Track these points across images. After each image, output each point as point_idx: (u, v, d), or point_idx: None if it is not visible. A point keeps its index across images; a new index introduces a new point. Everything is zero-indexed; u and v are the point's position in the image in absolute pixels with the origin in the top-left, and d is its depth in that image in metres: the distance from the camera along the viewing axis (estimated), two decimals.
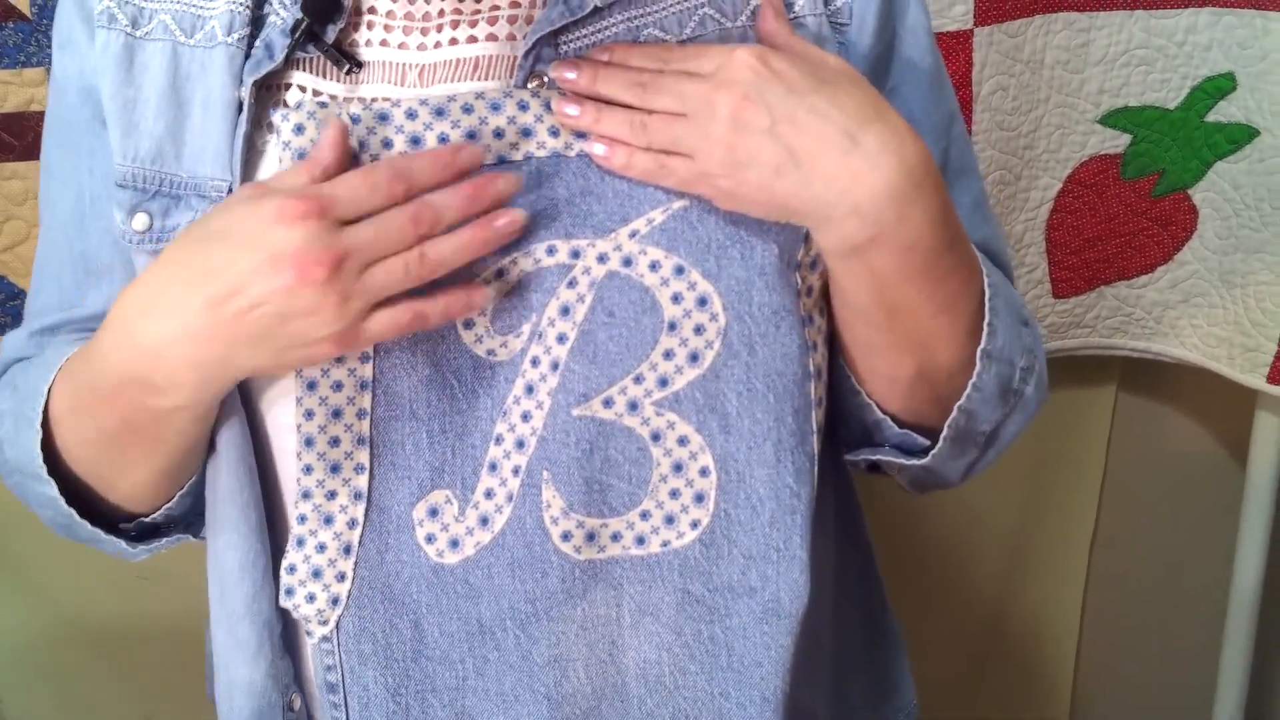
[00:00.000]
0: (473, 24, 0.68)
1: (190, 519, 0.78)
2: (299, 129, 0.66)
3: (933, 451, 0.72)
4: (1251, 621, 1.52)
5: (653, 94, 0.64)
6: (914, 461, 0.73)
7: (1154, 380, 1.61)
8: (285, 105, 0.69)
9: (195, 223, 0.65)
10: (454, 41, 0.68)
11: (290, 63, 0.68)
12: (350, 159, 0.64)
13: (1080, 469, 1.65)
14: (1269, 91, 1.29)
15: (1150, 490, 1.66)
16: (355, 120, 0.65)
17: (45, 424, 0.70)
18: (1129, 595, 1.72)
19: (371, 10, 0.69)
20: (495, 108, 0.66)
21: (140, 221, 0.70)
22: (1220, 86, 1.33)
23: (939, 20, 1.26)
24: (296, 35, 0.67)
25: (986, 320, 0.68)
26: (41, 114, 1.24)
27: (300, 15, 0.67)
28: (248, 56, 0.68)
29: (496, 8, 0.68)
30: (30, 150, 1.27)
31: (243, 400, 0.69)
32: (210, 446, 0.71)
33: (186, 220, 0.69)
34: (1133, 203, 1.41)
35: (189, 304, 0.61)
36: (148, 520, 0.75)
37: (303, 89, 0.69)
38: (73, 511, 0.71)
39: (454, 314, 0.65)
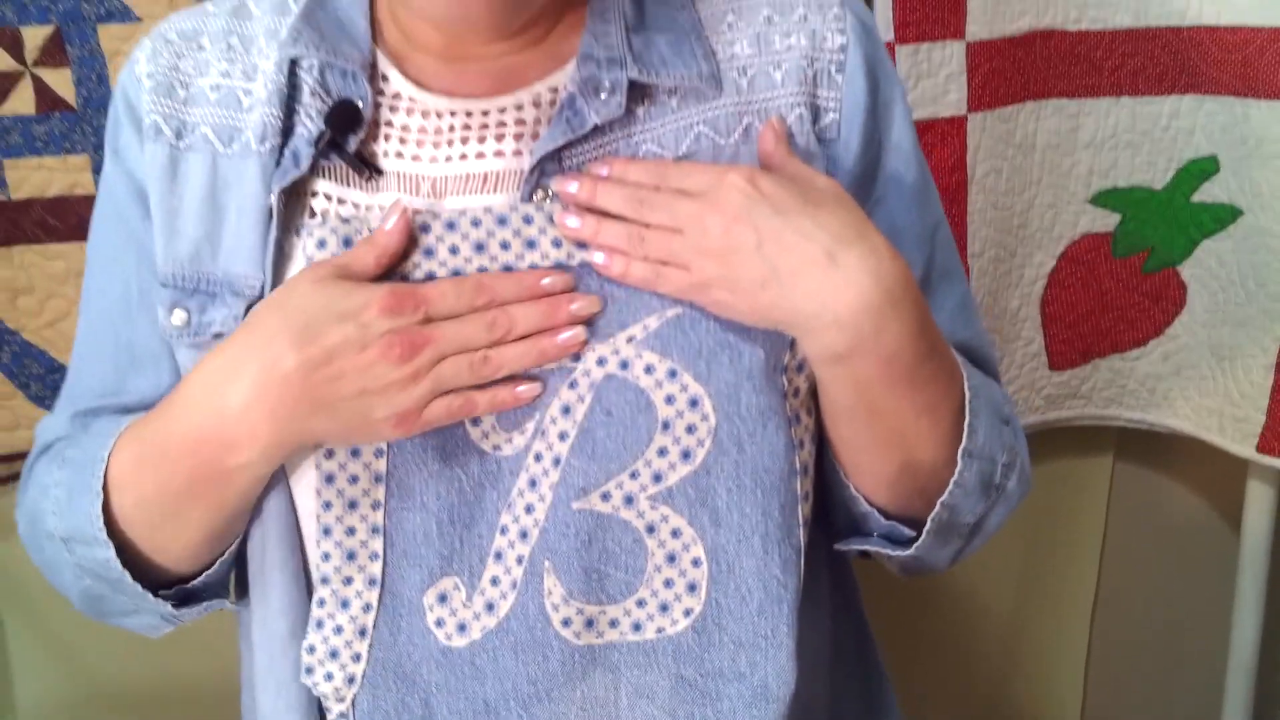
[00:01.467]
0: (481, 140, 0.73)
1: (220, 588, 0.83)
2: (321, 244, 0.72)
3: (917, 543, 0.76)
4: (1250, 683, 1.56)
5: (649, 209, 0.70)
6: (901, 552, 0.78)
7: (1150, 449, 1.65)
8: (312, 211, 0.74)
9: (281, 299, 0.70)
10: (464, 156, 0.73)
11: (315, 170, 0.73)
12: (409, 241, 0.71)
13: (1080, 536, 1.70)
14: (1249, 174, 1.35)
15: (1149, 556, 1.70)
16: (372, 231, 0.71)
17: (104, 489, 0.74)
18: (1130, 658, 1.75)
19: (389, 124, 0.74)
20: (502, 221, 0.71)
21: (179, 317, 0.75)
22: (1204, 168, 1.39)
23: (934, 107, 1.33)
24: (320, 145, 0.73)
25: (967, 421, 0.72)
26: (84, 198, 1.32)
27: (324, 127, 0.73)
28: (278, 165, 0.74)
29: (504, 125, 0.73)
30: (73, 232, 1.34)
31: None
32: (257, 514, 0.76)
33: (222, 315, 0.74)
34: (1124, 278, 1.46)
35: (283, 364, 0.66)
36: (188, 585, 0.80)
37: (328, 196, 0.74)
38: (125, 572, 0.75)
39: (501, 406, 0.70)
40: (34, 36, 1.26)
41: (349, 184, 0.74)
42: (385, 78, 0.75)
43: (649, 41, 0.74)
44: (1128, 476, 1.68)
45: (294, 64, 0.75)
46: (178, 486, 0.72)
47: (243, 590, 0.81)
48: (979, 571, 1.63)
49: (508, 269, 0.71)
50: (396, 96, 0.75)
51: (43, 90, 1.28)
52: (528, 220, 0.71)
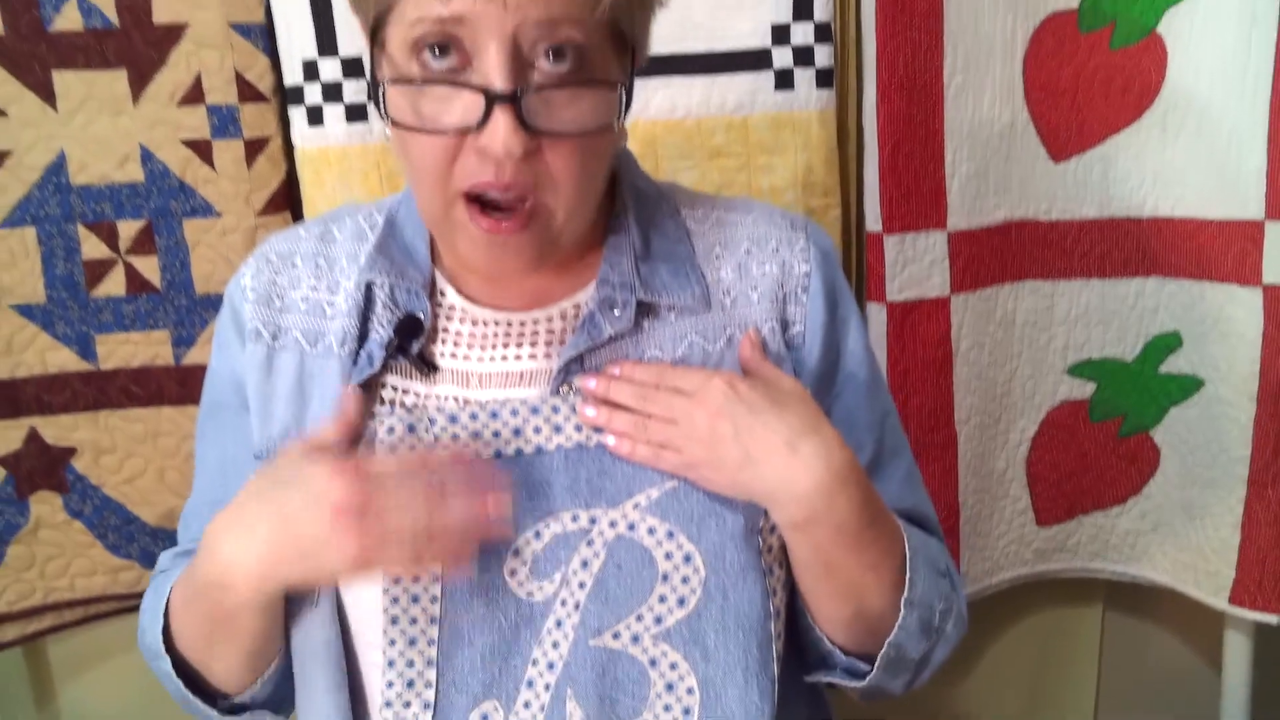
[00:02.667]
0: (519, 344, 0.89)
1: (273, 703, 0.97)
2: (390, 430, 0.87)
3: (869, 676, 0.90)
4: None
5: (651, 403, 0.86)
6: (858, 683, 0.91)
7: (1137, 599, 1.76)
8: (381, 400, 0.90)
9: (267, 470, 0.85)
10: (505, 357, 0.89)
11: (385, 368, 0.89)
12: (361, 417, 0.86)
13: (1075, 684, 1.79)
14: (1209, 349, 1.49)
15: (1140, 702, 1.79)
16: (433, 421, 0.87)
17: (167, 615, 0.91)
18: None
19: (445, 330, 0.90)
20: (535, 410, 0.87)
21: None
22: (1169, 343, 1.53)
23: (920, 289, 1.48)
24: (390, 349, 0.89)
25: (908, 575, 0.87)
26: (163, 369, 1.49)
27: (393, 335, 0.90)
28: (355, 363, 0.90)
29: (536, 333, 0.90)
30: (152, 398, 1.50)
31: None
32: (307, 648, 0.90)
33: None
34: (1102, 441, 1.59)
35: (259, 528, 0.80)
36: (235, 700, 0.94)
37: (394, 388, 0.89)
38: (180, 681, 0.91)
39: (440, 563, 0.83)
40: (128, 229, 1.45)
41: (412, 378, 0.90)
42: (442, 293, 0.91)
43: (654, 269, 0.90)
44: (1117, 626, 1.78)
45: (369, 284, 0.92)
46: (202, 620, 0.87)
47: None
48: (980, 713, 1.72)
49: (539, 450, 0.87)
50: (451, 308, 0.91)
51: (133, 275, 1.46)
52: (555, 410, 0.87)
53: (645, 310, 0.90)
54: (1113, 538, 1.63)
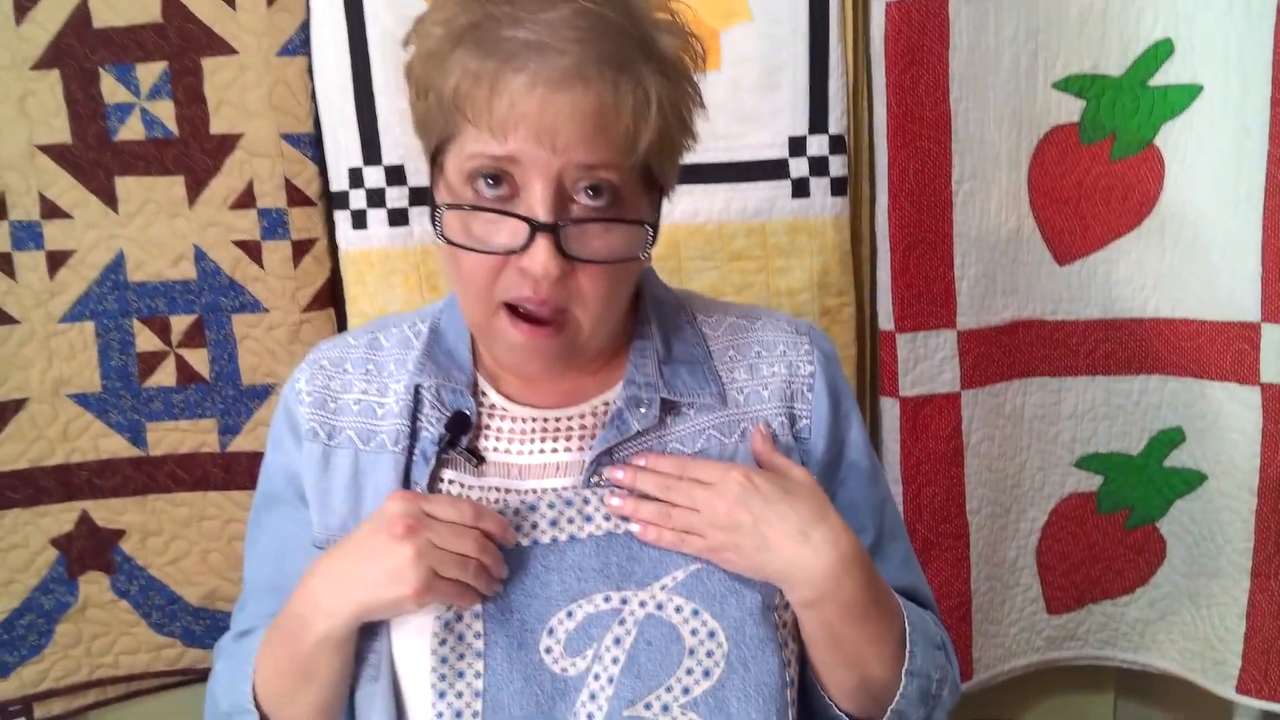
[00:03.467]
0: (555, 439, 0.99)
1: None
2: None
3: None
4: None
5: (674, 493, 0.95)
6: None
7: (1148, 686, 1.79)
8: (436, 491, 0.98)
9: (352, 532, 0.93)
10: (542, 450, 0.98)
11: (438, 463, 0.98)
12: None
13: None
14: (1211, 444, 1.55)
15: None
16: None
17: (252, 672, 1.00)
18: None
19: (488, 427, 0.99)
20: (568, 502, 0.96)
21: None
22: (1172, 438, 1.59)
23: (932, 385, 1.55)
24: (442, 445, 0.98)
25: (908, 648, 0.95)
26: (209, 455, 1.56)
27: (444, 431, 0.99)
28: (409, 459, 0.99)
29: (570, 429, 0.99)
30: (197, 484, 1.58)
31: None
32: (369, 711, 0.97)
33: None
34: (1110, 533, 1.65)
35: (337, 564, 0.91)
36: None
37: (444, 479, 0.97)
38: None
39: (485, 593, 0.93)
40: (180, 323, 1.53)
41: (462, 470, 0.99)
42: (484, 392, 1.01)
43: (675, 371, 1.00)
44: (1130, 713, 1.81)
45: (418, 386, 1.01)
46: (286, 662, 0.95)
47: None
48: None
49: (573, 538, 0.95)
50: (493, 406, 1.00)
51: (183, 366, 1.54)
52: (586, 501, 0.96)
53: (668, 408, 0.99)
54: (1122, 626, 1.68)
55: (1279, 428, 1.49)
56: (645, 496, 0.95)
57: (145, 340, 1.54)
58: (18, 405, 1.53)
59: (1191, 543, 1.60)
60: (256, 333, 1.54)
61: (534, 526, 0.95)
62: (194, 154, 1.48)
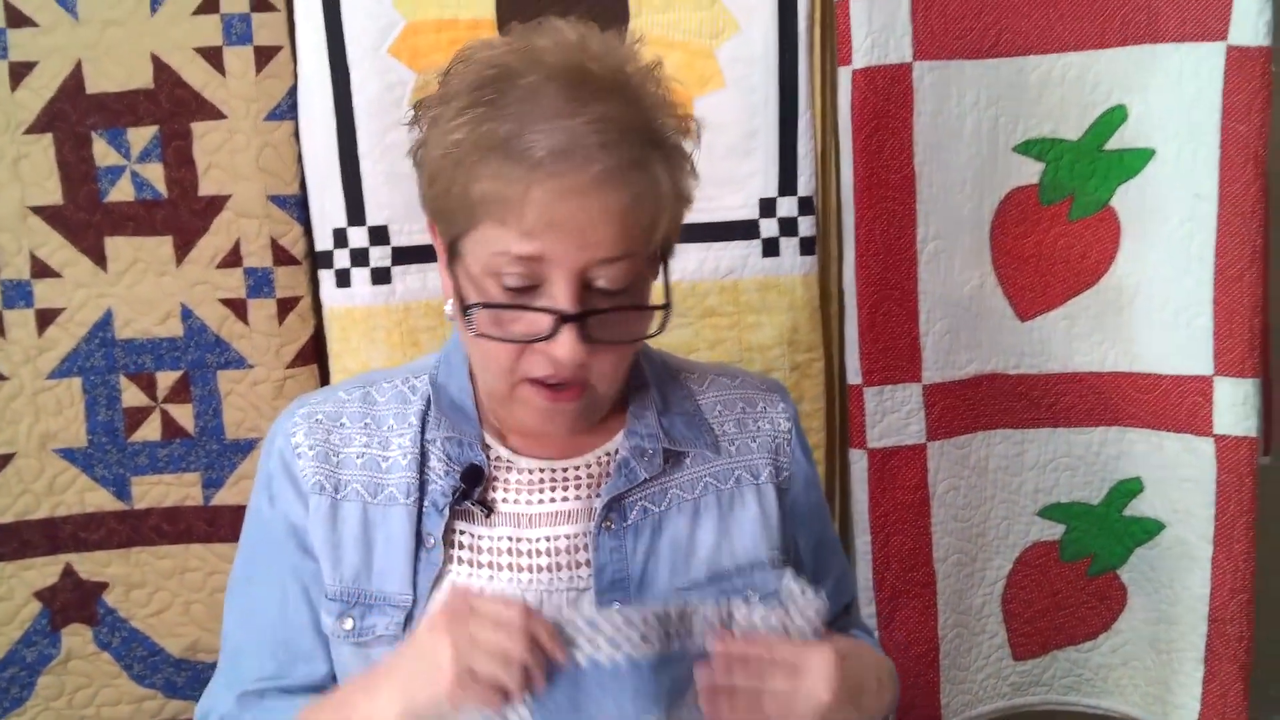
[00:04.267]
0: (564, 488, 1.04)
1: None
2: (459, 562, 1.00)
3: None
4: None
5: (766, 679, 0.91)
6: None
7: None
8: (451, 543, 1.00)
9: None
10: (552, 500, 1.03)
11: (450, 514, 1.01)
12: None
13: None
14: (1169, 494, 1.60)
15: None
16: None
17: None
18: None
19: (496, 479, 1.03)
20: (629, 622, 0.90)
21: (348, 623, 1.00)
22: (1132, 488, 1.64)
23: (899, 437, 1.59)
24: (455, 497, 1.01)
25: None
26: (192, 508, 1.59)
27: (458, 483, 1.01)
28: (421, 511, 1.00)
29: (578, 478, 1.04)
30: (180, 536, 1.60)
31: None
32: None
33: (384, 622, 0.99)
34: (1073, 580, 1.69)
35: (390, 664, 0.91)
36: None
37: (455, 529, 1.01)
38: None
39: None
40: (166, 379, 1.56)
41: (472, 520, 1.02)
42: (488, 446, 1.04)
43: (673, 422, 1.07)
44: None
45: (424, 440, 1.04)
46: None
47: None
48: None
49: (631, 660, 0.91)
50: (498, 459, 1.04)
51: (168, 422, 1.57)
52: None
53: (669, 456, 1.06)
54: (1086, 671, 1.72)
55: (1232, 477, 1.55)
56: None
57: (131, 396, 1.57)
58: (5, 460, 1.55)
59: (1151, 590, 1.65)
60: (241, 388, 1.57)
61: (592, 644, 0.92)
62: (182, 215, 1.52)
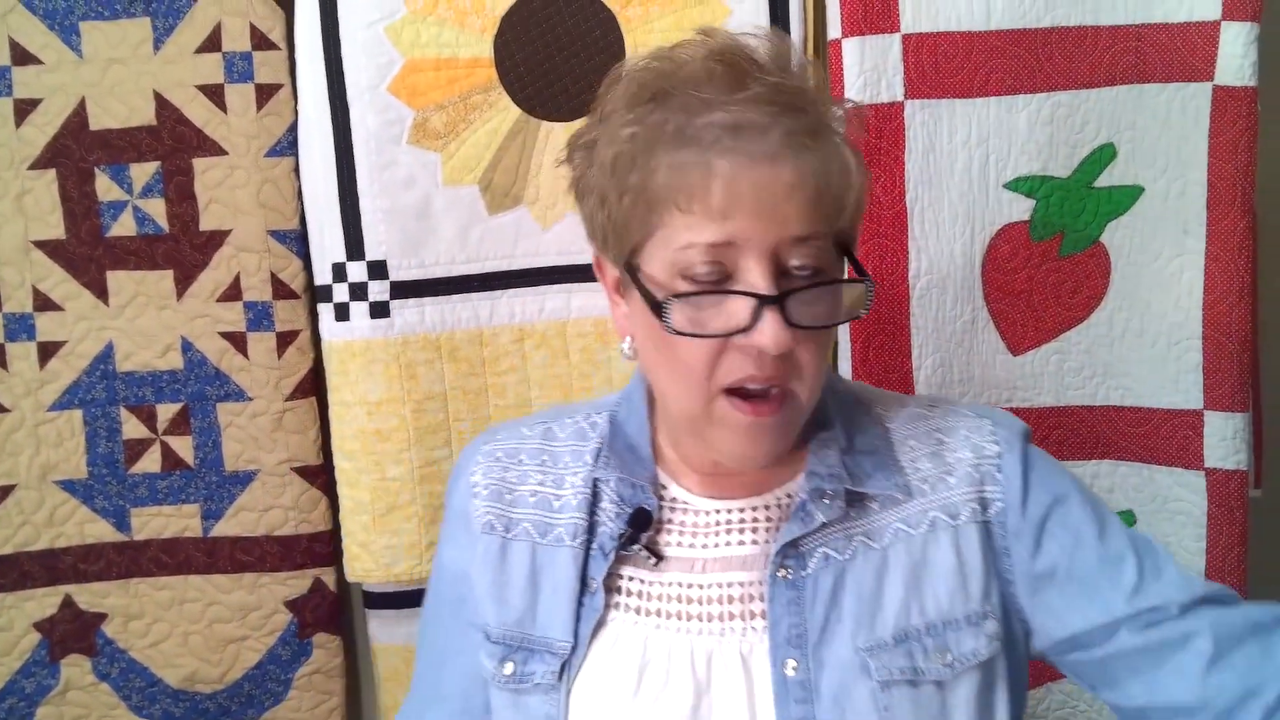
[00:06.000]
0: (740, 531, 0.98)
1: None
2: (624, 609, 0.97)
3: None
4: None
5: None
6: None
7: None
8: (613, 589, 0.97)
9: None
10: (727, 544, 0.97)
11: (617, 558, 0.97)
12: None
13: None
14: (1160, 527, 1.60)
15: None
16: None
17: None
18: None
19: (669, 522, 0.99)
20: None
21: (508, 668, 0.98)
22: (1125, 520, 1.64)
23: None
24: (622, 541, 0.96)
25: None
26: (191, 539, 1.60)
27: (625, 527, 0.97)
28: (587, 555, 0.97)
29: (756, 521, 0.98)
30: (180, 567, 1.61)
31: None
32: None
33: (541, 669, 0.96)
34: None
35: None
36: None
37: (622, 575, 0.97)
38: None
39: None
40: (166, 411, 1.58)
41: (639, 566, 0.98)
42: (664, 487, 1.00)
43: (858, 462, 0.98)
44: None
45: (596, 481, 1.00)
46: None
47: None
48: None
49: None
50: (674, 500, 1.00)
51: (168, 453, 1.59)
52: None
53: (850, 499, 0.97)
54: (1080, 704, 1.73)
55: (1223, 510, 1.56)
56: None
57: (132, 428, 1.58)
58: (5, 491, 1.57)
59: None
60: (240, 420, 1.59)
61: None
62: (184, 249, 1.54)
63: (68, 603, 1.60)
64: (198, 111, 1.51)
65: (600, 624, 0.96)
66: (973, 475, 0.98)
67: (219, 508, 1.60)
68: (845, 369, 1.59)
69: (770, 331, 0.85)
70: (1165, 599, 0.95)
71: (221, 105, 1.51)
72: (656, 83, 0.90)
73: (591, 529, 0.99)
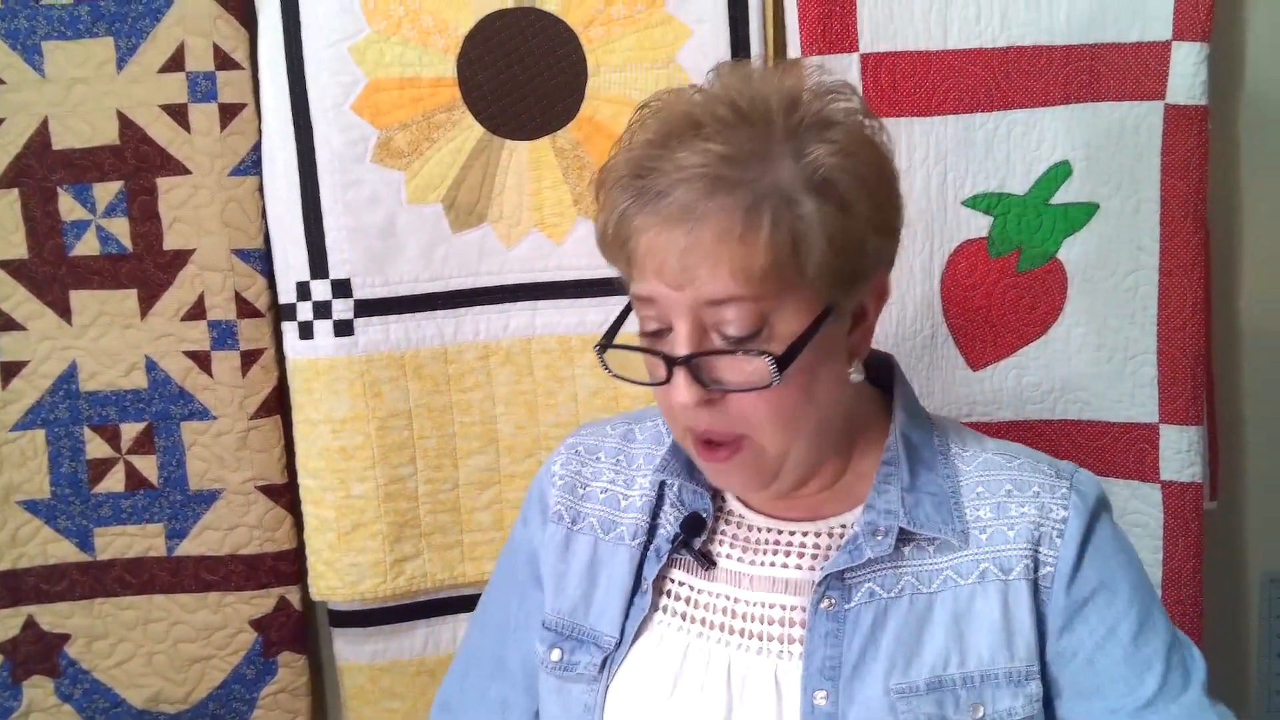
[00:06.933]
0: (787, 554, 0.99)
1: None
2: (673, 613, 1.00)
3: None
4: None
5: None
6: None
7: None
8: (666, 593, 1.01)
9: None
10: (772, 564, 0.99)
11: (670, 562, 1.00)
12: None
13: None
14: None
15: None
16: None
17: None
18: None
19: (722, 533, 1.01)
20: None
21: (556, 655, 1.02)
22: None
23: None
24: (675, 543, 1.00)
25: None
26: (155, 559, 1.60)
27: (679, 530, 1.00)
28: (644, 556, 1.01)
29: (804, 546, 0.99)
30: (144, 587, 1.61)
31: None
32: None
33: (585, 660, 1.00)
34: None
35: None
36: None
37: (673, 580, 1.01)
38: None
39: None
40: (130, 430, 1.58)
41: (692, 573, 1.01)
42: (724, 498, 1.03)
43: (918, 501, 0.96)
44: None
45: (662, 483, 1.03)
46: None
47: None
48: None
49: None
50: (730, 512, 1.03)
51: (132, 473, 1.59)
52: None
53: (905, 538, 0.96)
54: None
55: (1179, 522, 1.58)
56: None
57: (95, 447, 1.58)
58: None
59: None
60: (205, 439, 1.59)
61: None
62: (148, 268, 1.54)
63: (30, 624, 1.59)
64: (161, 131, 1.51)
65: (645, 624, 1.00)
66: (1033, 533, 0.95)
67: (183, 527, 1.60)
68: None
69: (678, 390, 0.88)
70: None
71: (185, 125, 1.51)
72: (643, 121, 0.93)
73: (651, 531, 1.03)
